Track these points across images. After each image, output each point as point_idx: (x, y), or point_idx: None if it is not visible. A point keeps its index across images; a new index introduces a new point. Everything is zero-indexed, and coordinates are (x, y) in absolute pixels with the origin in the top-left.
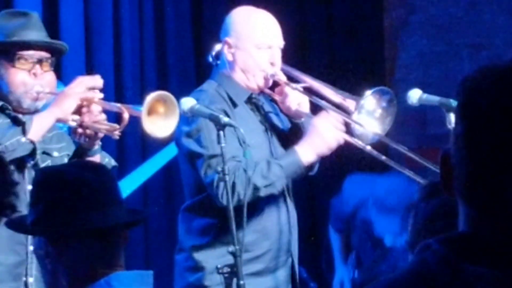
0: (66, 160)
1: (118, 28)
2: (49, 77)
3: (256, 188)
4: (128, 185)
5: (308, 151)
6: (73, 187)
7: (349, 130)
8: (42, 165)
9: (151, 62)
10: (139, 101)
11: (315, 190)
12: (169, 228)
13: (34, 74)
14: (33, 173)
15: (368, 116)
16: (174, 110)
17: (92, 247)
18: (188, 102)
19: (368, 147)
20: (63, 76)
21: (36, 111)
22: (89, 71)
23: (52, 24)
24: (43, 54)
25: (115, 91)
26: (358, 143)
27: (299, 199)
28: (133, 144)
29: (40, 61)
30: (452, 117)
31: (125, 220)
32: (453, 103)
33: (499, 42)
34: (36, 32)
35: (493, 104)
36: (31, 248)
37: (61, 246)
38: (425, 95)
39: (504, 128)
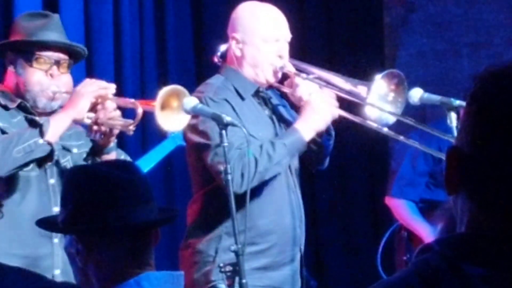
0: (84, 156)
1: (118, 28)
2: (66, 78)
3: (264, 170)
4: None
5: (307, 128)
6: (104, 185)
7: (364, 115)
8: (63, 160)
9: (152, 61)
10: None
11: (315, 186)
12: (170, 233)
13: (51, 75)
14: (54, 168)
15: (381, 100)
16: None
17: (122, 246)
18: (190, 102)
19: (385, 129)
20: None
21: (51, 111)
22: (89, 70)
23: None
24: (61, 56)
25: (116, 91)
26: (374, 125)
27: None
28: (133, 137)
29: (57, 63)
30: (452, 116)
31: (155, 218)
32: (454, 102)
33: (499, 41)
34: (56, 34)
35: (510, 100)
36: (56, 240)
37: (91, 244)
38: (426, 94)
39: None
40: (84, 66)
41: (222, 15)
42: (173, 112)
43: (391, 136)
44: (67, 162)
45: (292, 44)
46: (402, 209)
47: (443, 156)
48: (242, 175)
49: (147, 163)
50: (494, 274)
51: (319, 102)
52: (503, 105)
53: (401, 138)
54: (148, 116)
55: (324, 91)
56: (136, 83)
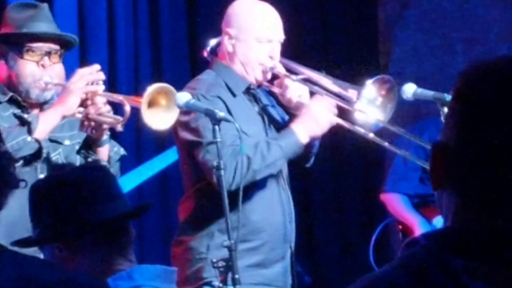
0: (77, 148)
1: (112, 24)
2: (58, 68)
3: (257, 170)
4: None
5: (304, 132)
6: (72, 187)
7: (351, 119)
8: (53, 154)
9: (146, 58)
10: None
11: (309, 183)
12: (165, 231)
13: (43, 66)
14: (45, 163)
15: (370, 105)
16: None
17: (106, 243)
18: (183, 97)
19: (371, 134)
20: None
21: (45, 102)
22: (83, 66)
23: None
24: (52, 46)
25: (109, 87)
26: (361, 130)
27: (293, 192)
28: (128, 146)
29: (49, 53)
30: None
31: (128, 209)
32: (448, 97)
33: (493, 37)
34: (46, 24)
35: (494, 96)
36: None
37: (76, 248)
38: (420, 90)
39: (504, 122)
40: (77, 63)
41: (217, 11)
42: (161, 110)
43: (377, 142)
44: (58, 155)
45: (287, 40)
46: (395, 202)
47: (423, 163)
48: (234, 173)
49: (143, 173)
50: (480, 267)
51: (319, 108)
52: (488, 101)
53: (386, 144)
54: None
55: (324, 98)
56: (130, 80)
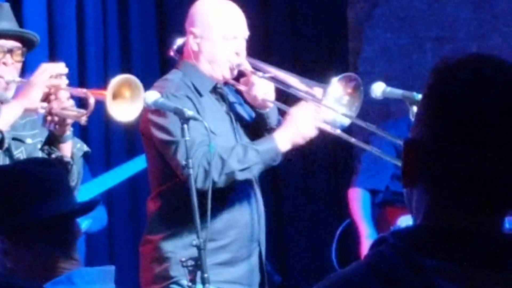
0: (39, 146)
1: (81, 20)
2: (21, 67)
3: (232, 172)
4: (90, 191)
5: (284, 139)
6: (17, 179)
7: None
8: (15, 152)
9: (115, 55)
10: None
11: (279, 183)
12: (134, 232)
13: (5, 64)
14: (7, 160)
15: (336, 103)
16: (140, 94)
17: (50, 239)
18: (152, 96)
19: (338, 131)
20: (27, 69)
21: (5, 101)
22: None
23: (15, 15)
24: (14, 44)
25: (79, 83)
26: (327, 127)
27: (263, 192)
28: (96, 150)
29: (11, 51)
30: (415, 110)
31: (73, 208)
32: (416, 96)
33: (463, 36)
34: (7, 22)
35: (467, 92)
36: None
37: (19, 241)
38: (389, 88)
39: (478, 117)
40: (47, 60)
41: (187, 10)
42: (125, 102)
43: (344, 138)
44: (20, 153)
45: (255, 38)
46: (356, 201)
47: (395, 160)
48: (207, 176)
49: (111, 179)
50: (448, 266)
51: (302, 116)
52: (460, 97)
53: (353, 140)
54: (113, 128)
55: (309, 105)
56: (99, 79)
